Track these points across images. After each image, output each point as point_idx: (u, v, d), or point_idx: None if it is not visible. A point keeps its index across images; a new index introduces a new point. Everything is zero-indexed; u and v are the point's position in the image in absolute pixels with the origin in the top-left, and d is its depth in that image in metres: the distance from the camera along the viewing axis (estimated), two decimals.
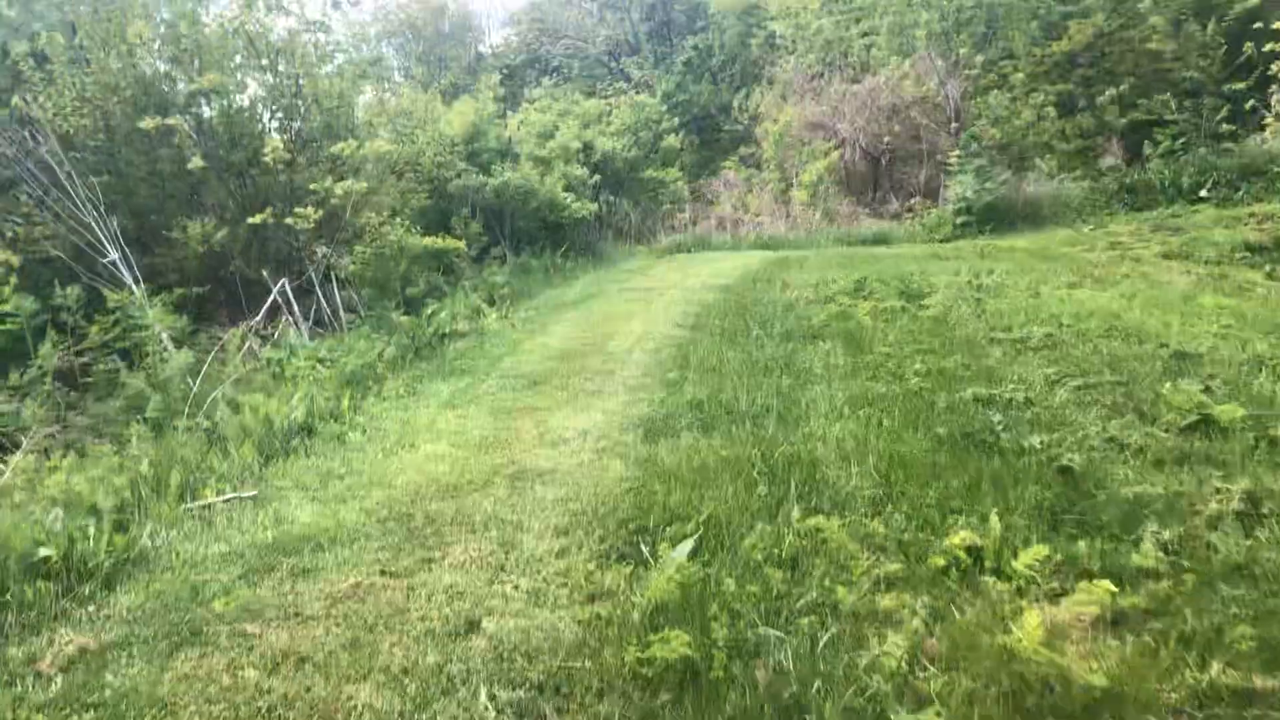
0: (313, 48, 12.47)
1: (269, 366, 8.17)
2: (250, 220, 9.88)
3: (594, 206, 17.07)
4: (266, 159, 9.79)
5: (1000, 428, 5.70)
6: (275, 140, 9.73)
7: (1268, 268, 12.35)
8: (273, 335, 9.73)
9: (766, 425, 5.90)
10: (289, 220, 9.70)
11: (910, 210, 22.80)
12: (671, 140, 22.28)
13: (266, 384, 7.89)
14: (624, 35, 37.40)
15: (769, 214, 21.83)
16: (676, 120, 24.27)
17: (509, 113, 21.68)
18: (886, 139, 23.96)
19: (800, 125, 26.03)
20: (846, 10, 27.62)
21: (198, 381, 7.62)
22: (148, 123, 9.48)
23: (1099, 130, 21.79)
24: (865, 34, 27.13)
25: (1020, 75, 22.48)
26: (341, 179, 10.86)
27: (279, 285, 9.74)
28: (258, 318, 9.55)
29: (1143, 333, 8.14)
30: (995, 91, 22.71)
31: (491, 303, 11.64)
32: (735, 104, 29.19)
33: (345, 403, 7.26)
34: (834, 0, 28.25)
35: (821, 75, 28.09)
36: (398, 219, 11.75)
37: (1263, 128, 18.99)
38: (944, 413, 6.09)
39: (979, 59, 22.51)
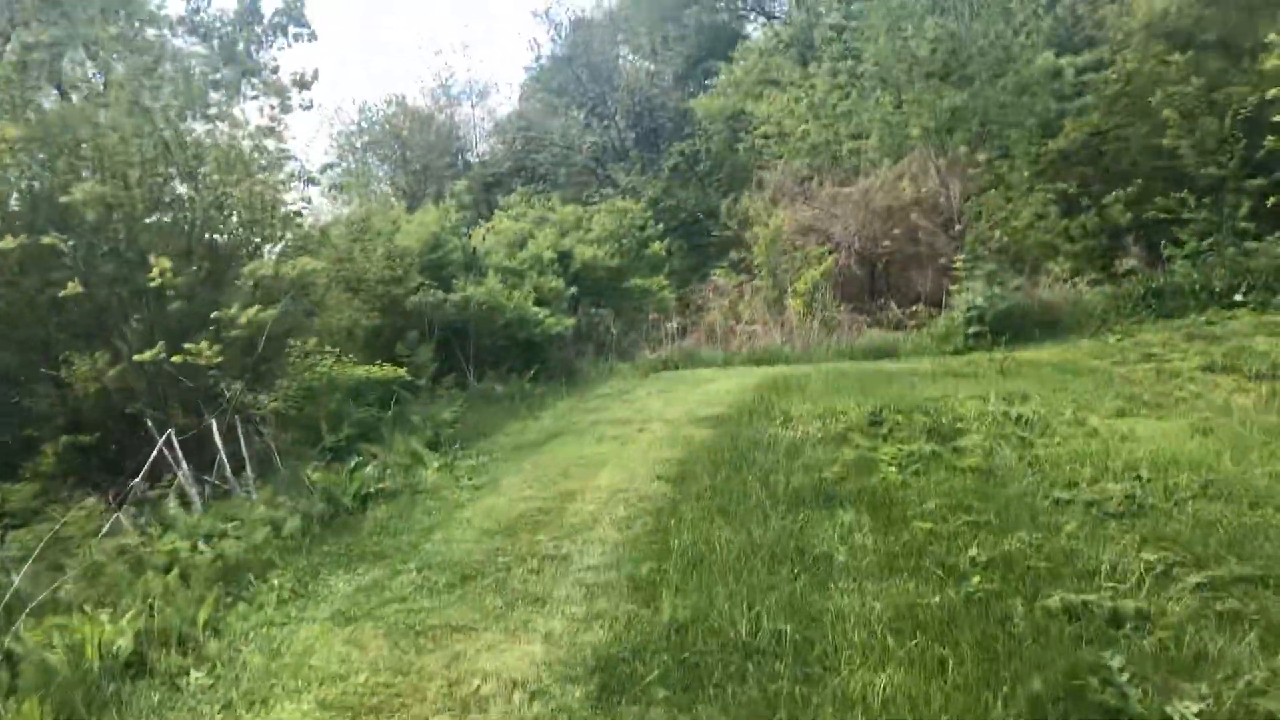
0: (257, 153, 10.99)
1: (123, 554, 6.27)
2: (137, 357, 8.13)
3: (570, 321, 15.40)
4: (153, 282, 8.08)
5: (1123, 678, 3.84)
6: (163, 261, 8.05)
7: None
8: (170, 498, 7.85)
9: (779, 675, 4.03)
10: (176, 358, 7.93)
11: (913, 317, 21.25)
12: (656, 247, 20.79)
13: (118, 580, 5.99)
14: (610, 142, 36.54)
15: (762, 323, 20.22)
16: (662, 226, 22.83)
17: (481, 221, 20.22)
18: (886, 243, 22.55)
19: (791, 229, 24.70)
20: (832, 117, 26.61)
21: (18, 579, 5.72)
22: (8, 241, 7.79)
23: (1104, 230, 20.44)
24: (855, 136, 26.04)
25: (1017, 175, 21.24)
26: (262, 303, 9.17)
27: (165, 435, 7.90)
28: (136, 479, 7.69)
29: (1250, 491, 6.34)
30: (992, 191, 21.43)
31: (436, 446, 9.80)
32: (724, 208, 27.95)
33: (204, 615, 5.35)
34: (820, 106, 27.25)
35: (811, 178, 26.93)
36: (328, 346, 9.99)
37: None
38: (1030, 644, 4.23)
39: (981, 157, 21.25)
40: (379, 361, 10.56)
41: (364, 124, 40.06)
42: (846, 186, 25.43)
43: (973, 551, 5.39)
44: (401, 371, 10.63)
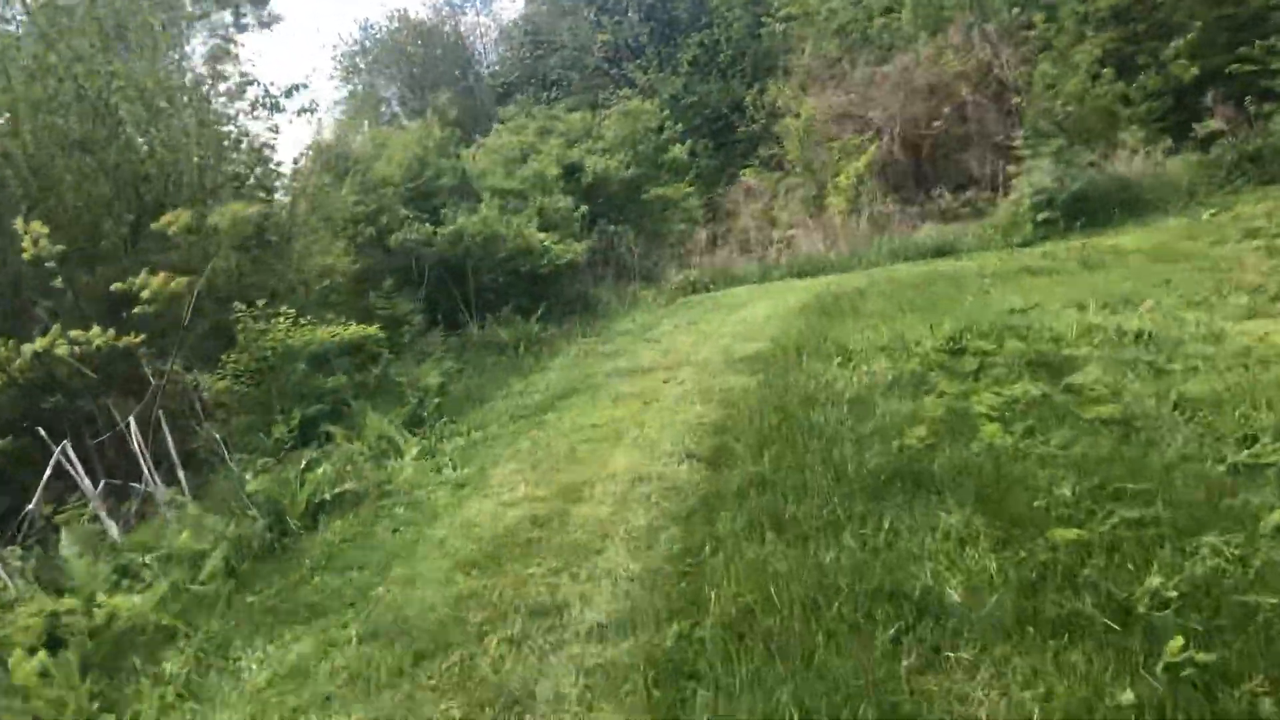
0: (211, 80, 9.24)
1: None
2: (30, 346, 6.48)
3: (581, 246, 13.49)
4: (25, 254, 6.38)
5: None
6: (36, 226, 6.33)
7: None
8: (91, 519, 6.28)
9: None
10: (60, 348, 6.25)
11: (969, 205, 19.06)
12: (677, 150, 18.67)
13: None
14: (624, 39, 33.92)
15: (802, 227, 18.16)
16: (681, 126, 20.63)
17: (477, 137, 18.19)
18: (936, 123, 20.18)
19: (826, 118, 22.37)
20: None
21: None
22: None
23: (1169, 90, 17.98)
24: (887, 11, 23.45)
25: (1064, 37, 18.71)
26: (197, 260, 7.46)
27: (61, 446, 6.26)
28: (30, 504, 6.10)
29: None
30: (1043, 55, 18.95)
31: (419, 422, 8.11)
32: (749, 100, 25.53)
33: None
34: None
35: (842, 60, 24.44)
36: (286, 307, 8.26)
37: None
38: None
39: (1038, 17, 18.70)
40: (344, 320, 8.80)
41: (367, 43, 37.81)
42: (884, 66, 22.96)
43: (1153, 580, 3.60)
44: (373, 330, 8.88)
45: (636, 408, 7.60)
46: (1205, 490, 4.35)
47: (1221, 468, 4.57)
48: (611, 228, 16.67)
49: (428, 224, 12.18)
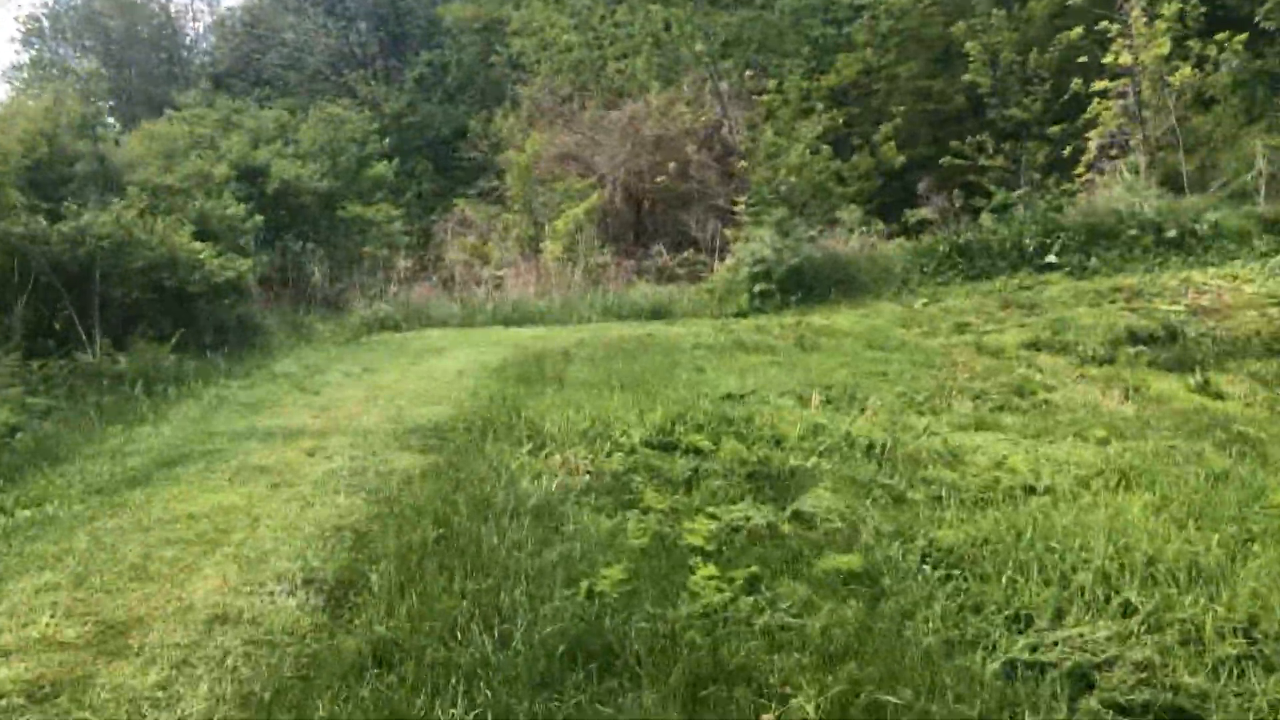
0: None
1: None
2: None
3: (248, 263, 11.26)
4: None
5: None
6: None
7: (1190, 379, 8.87)
8: None
9: None
10: None
11: (685, 266, 18.54)
12: (382, 167, 16.76)
13: None
14: (350, 47, 31.45)
15: (514, 271, 16.79)
16: (391, 143, 18.72)
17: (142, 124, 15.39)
18: (659, 179, 19.57)
19: (550, 156, 21.31)
20: (598, 33, 23.30)
21: None
22: None
23: (879, 172, 18.56)
24: (622, 56, 22.88)
25: (788, 109, 18.91)
26: None
27: None
28: None
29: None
30: (767, 124, 19.01)
31: None
32: (473, 127, 24.03)
33: None
34: (585, 20, 23.78)
35: (573, 97, 23.58)
36: None
37: (1074, 178, 16.12)
38: None
39: (771, 83, 18.63)
40: None
41: (58, 7, 33.01)
42: (613, 111, 22.27)
43: None
44: None
45: (260, 492, 5.76)
46: (980, 708, 3.23)
47: (995, 665, 3.49)
48: (301, 245, 14.50)
49: (43, 218, 9.63)
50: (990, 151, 17.04)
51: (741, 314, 14.17)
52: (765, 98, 18.75)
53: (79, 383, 8.58)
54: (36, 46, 33.66)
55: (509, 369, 9.20)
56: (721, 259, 17.28)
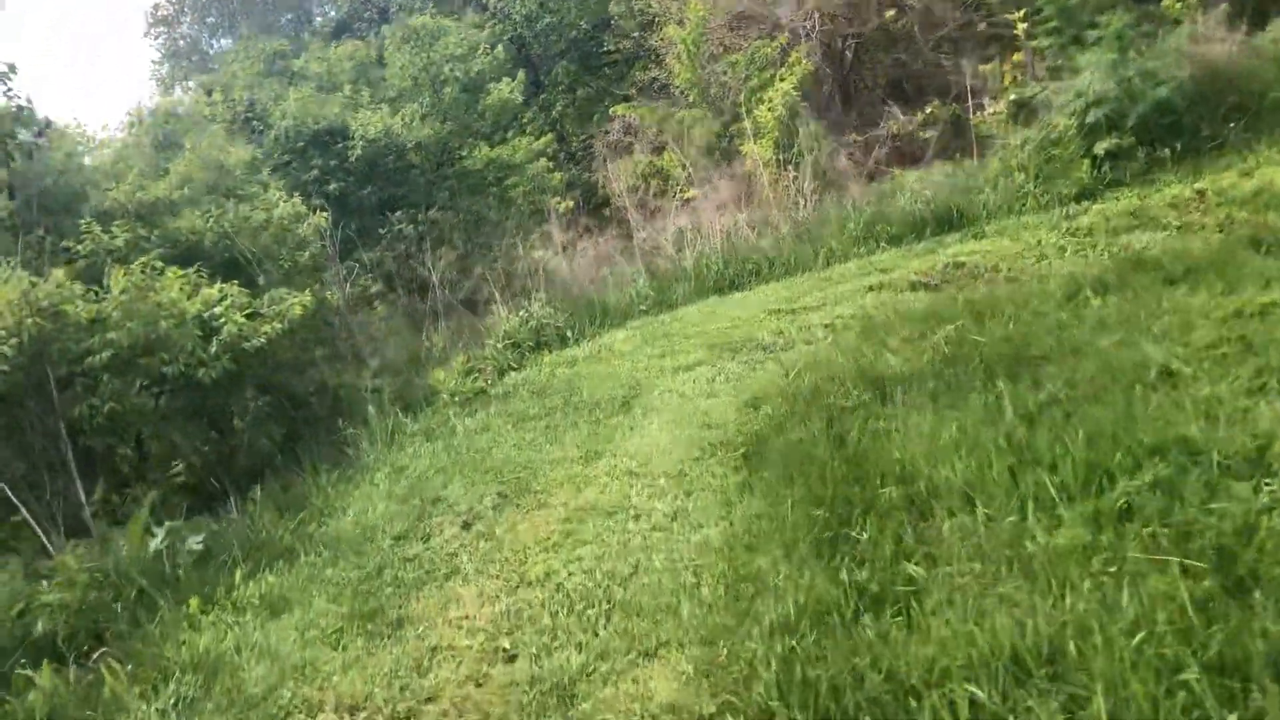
0: None
1: None
2: None
3: (304, 300, 6.86)
4: None
5: None
6: None
7: None
8: None
9: None
10: None
11: (931, 124, 13.15)
12: (500, 90, 12.12)
13: None
14: None
15: (706, 188, 11.89)
16: (503, 51, 13.95)
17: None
18: (873, 21, 14.02)
19: (718, 25, 15.98)
20: None
21: None
22: None
23: None
24: None
25: None
26: None
27: None
28: None
29: None
30: None
31: None
32: (615, 9, 18.82)
33: None
34: None
35: None
36: None
37: None
38: None
39: None
40: None
41: None
42: None
43: None
44: None
45: None
46: None
47: None
48: (410, 227, 10.20)
49: None
50: None
51: (1084, 194, 8.83)
52: None
53: None
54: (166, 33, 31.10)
55: (770, 453, 4.49)
56: (984, 111, 11.83)
